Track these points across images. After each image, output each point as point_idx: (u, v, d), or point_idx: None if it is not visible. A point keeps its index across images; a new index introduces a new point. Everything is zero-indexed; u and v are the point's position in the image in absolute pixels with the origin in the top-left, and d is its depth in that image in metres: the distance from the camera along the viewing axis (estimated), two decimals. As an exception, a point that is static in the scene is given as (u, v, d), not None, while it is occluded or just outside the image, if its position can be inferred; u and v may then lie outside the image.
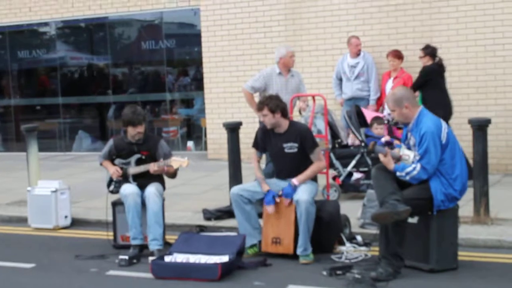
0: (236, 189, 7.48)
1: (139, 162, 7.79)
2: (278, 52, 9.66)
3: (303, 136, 7.34)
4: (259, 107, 7.40)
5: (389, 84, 11.17)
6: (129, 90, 15.85)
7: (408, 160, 6.50)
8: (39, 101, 16.92)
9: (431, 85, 10.04)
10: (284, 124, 7.39)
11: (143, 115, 7.74)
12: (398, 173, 6.46)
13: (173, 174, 7.82)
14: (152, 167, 7.60)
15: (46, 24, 16.08)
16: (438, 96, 9.97)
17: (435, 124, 6.45)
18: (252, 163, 7.63)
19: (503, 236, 7.41)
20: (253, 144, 7.66)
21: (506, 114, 11.06)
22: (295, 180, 7.19)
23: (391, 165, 6.50)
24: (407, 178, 6.43)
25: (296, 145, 7.32)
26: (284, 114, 7.37)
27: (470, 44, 11.35)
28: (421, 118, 6.49)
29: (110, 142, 8.03)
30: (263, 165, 8.02)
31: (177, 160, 7.65)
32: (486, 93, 11.24)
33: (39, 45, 16.57)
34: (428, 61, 10.19)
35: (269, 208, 7.25)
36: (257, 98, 9.56)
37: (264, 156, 7.77)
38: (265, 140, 7.52)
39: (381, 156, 6.56)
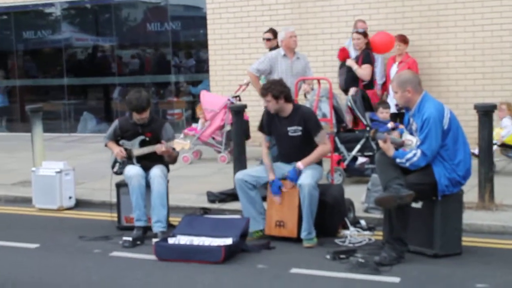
0: (240, 174, 7.47)
1: (143, 143, 7.78)
2: (279, 36, 9.79)
3: (307, 120, 7.32)
4: (263, 93, 7.38)
5: (394, 69, 11.11)
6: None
7: (411, 145, 6.47)
8: (44, 82, 16.90)
9: None
10: (288, 109, 7.37)
11: (147, 100, 7.68)
12: (398, 160, 6.43)
13: (173, 159, 7.81)
14: (160, 147, 7.59)
15: (51, 4, 16.04)
16: None
17: (437, 109, 6.41)
18: (261, 147, 7.61)
19: (508, 222, 7.40)
20: (259, 127, 7.66)
21: (512, 99, 11.02)
22: (300, 164, 7.18)
23: (391, 152, 6.47)
24: (407, 164, 6.40)
25: (300, 128, 7.30)
26: (288, 99, 7.35)
27: (477, 29, 11.28)
28: (423, 103, 6.46)
29: (115, 122, 8.04)
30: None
31: (179, 143, 7.66)
32: (492, 79, 11.18)
33: (44, 26, 16.53)
34: None
35: (276, 199, 7.25)
36: (262, 81, 9.54)
37: None
38: (270, 123, 7.51)
39: (380, 143, 6.54)
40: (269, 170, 7.36)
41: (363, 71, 10.49)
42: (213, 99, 11.63)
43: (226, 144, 11.40)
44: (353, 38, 10.73)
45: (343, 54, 10.82)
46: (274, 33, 11.05)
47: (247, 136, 10.72)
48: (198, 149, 11.74)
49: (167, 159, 7.77)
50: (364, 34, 10.70)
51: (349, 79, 10.59)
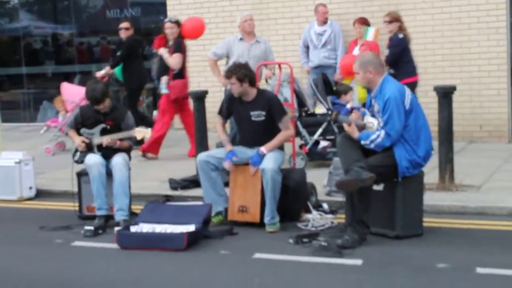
0: (202, 155, 7.45)
1: (103, 132, 7.70)
2: (237, 21, 9.85)
3: (271, 104, 7.31)
4: (227, 75, 7.36)
5: (356, 52, 11.11)
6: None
7: (373, 127, 6.50)
8: (2, 71, 16.64)
9: None
10: (252, 93, 7.35)
11: (102, 92, 7.57)
12: (362, 141, 6.47)
13: (127, 149, 7.75)
14: (106, 140, 7.54)
15: (8, -8, 15.80)
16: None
17: (398, 90, 6.46)
18: (216, 126, 7.59)
19: (467, 202, 7.48)
20: (218, 111, 7.63)
21: (471, 81, 11.12)
22: (263, 149, 7.17)
23: (356, 134, 6.50)
24: (372, 146, 6.44)
25: (263, 113, 7.29)
26: (252, 83, 7.33)
27: (436, 11, 11.35)
28: (385, 85, 6.50)
29: (77, 110, 7.98)
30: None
31: (140, 131, 7.65)
32: (451, 61, 11.27)
33: (2, 14, 16.27)
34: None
35: (226, 164, 7.23)
36: (222, 67, 9.52)
37: (228, 122, 7.74)
38: (231, 108, 7.49)
39: (345, 126, 6.56)
40: (226, 143, 7.35)
41: (173, 60, 10.32)
42: (73, 91, 11.69)
43: None
44: (165, 28, 10.56)
45: (159, 43, 10.68)
46: (130, 22, 11.45)
47: None
48: (62, 140, 11.75)
49: (122, 148, 7.71)
50: (177, 23, 10.57)
51: (161, 68, 10.53)
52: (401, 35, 9.91)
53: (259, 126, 7.31)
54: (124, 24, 11.61)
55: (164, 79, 10.16)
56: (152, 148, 10.71)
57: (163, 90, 10.53)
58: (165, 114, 10.68)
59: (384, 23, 10.12)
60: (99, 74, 11.63)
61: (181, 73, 10.48)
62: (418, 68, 10.11)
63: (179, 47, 10.37)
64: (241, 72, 7.25)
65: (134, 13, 14.77)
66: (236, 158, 7.23)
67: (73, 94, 11.55)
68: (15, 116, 15.64)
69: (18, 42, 15.95)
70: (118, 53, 11.56)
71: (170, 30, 10.49)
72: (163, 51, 10.41)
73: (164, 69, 10.45)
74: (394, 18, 9.96)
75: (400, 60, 9.81)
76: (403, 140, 6.45)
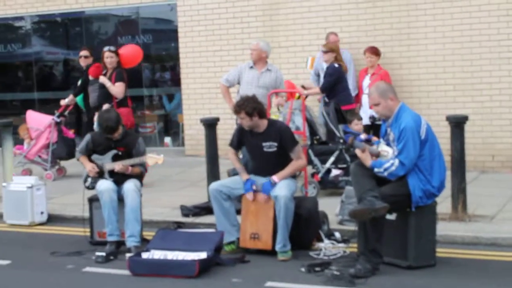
0: (215, 185, 7.44)
1: (115, 158, 7.72)
2: None
3: (283, 135, 7.32)
4: (236, 110, 7.37)
5: (366, 81, 11.17)
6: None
7: (387, 156, 6.49)
8: (14, 96, 16.73)
9: None
10: (263, 124, 7.36)
11: (116, 120, 7.64)
12: (376, 169, 6.45)
13: (139, 176, 7.76)
14: (118, 166, 7.55)
15: (21, 18, 15.88)
16: None
17: (414, 119, 6.45)
18: (229, 156, 7.60)
19: (481, 232, 7.44)
20: (230, 143, 7.64)
21: (483, 111, 11.11)
22: (275, 178, 7.17)
23: (369, 162, 6.49)
24: (385, 174, 6.43)
25: (275, 144, 7.29)
26: (262, 115, 7.33)
27: (447, 41, 11.38)
28: (401, 114, 6.49)
29: (88, 136, 7.97)
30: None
31: (152, 157, 7.66)
32: (463, 90, 11.27)
33: (14, 40, 16.36)
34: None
35: (248, 195, 7.23)
36: (234, 94, 9.56)
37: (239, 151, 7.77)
38: (243, 140, 7.50)
39: (358, 152, 6.54)
40: (242, 171, 7.34)
41: (116, 89, 10.40)
42: (38, 118, 11.92)
43: (52, 162, 11.70)
44: (105, 57, 10.61)
45: (96, 71, 10.78)
46: (90, 50, 11.65)
47: (70, 154, 11.28)
48: (28, 167, 11.85)
49: (134, 175, 7.72)
50: (116, 53, 10.65)
51: (102, 96, 10.55)
52: (336, 65, 10.39)
53: (271, 157, 7.31)
54: (84, 52, 11.83)
55: (105, 106, 10.23)
56: None
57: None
58: None
59: (321, 52, 10.66)
60: (63, 102, 11.80)
61: (125, 101, 10.59)
62: (353, 98, 10.74)
63: (121, 76, 10.49)
64: (250, 106, 7.26)
65: (145, 40, 14.84)
66: (255, 186, 7.22)
67: (37, 121, 11.80)
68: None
69: (31, 67, 16.04)
70: (79, 82, 11.69)
71: (110, 59, 10.61)
72: (104, 80, 10.51)
73: (106, 97, 10.51)
74: (330, 49, 10.46)
75: (335, 89, 10.37)
76: (417, 169, 6.44)
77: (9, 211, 9.03)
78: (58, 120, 11.75)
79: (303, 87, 10.73)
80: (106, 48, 10.70)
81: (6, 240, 8.38)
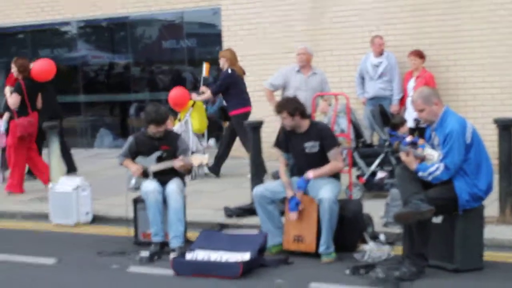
0: (259, 189, 7.43)
1: (159, 160, 7.76)
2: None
3: (324, 135, 7.29)
4: (278, 110, 7.36)
5: (411, 84, 11.09)
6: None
7: (433, 159, 6.42)
8: (61, 98, 16.93)
9: None
10: (305, 125, 7.34)
11: (165, 113, 7.78)
12: (420, 173, 6.38)
13: (189, 172, 7.82)
14: (178, 162, 7.57)
15: (67, 23, 16.11)
16: None
17: (460, 123, 6.37)
18: (279, 164, 7.57)
19: (529, 236, 7.32)
20: (275, 143, 7.61)
21: (530, 114, 10.93)
22: (310, 173, 7.14)
23: (413, 165, 6.42)
24: (430, 178, 6.35)
25: (317, 144, 7.26)
26: (303, 115, 7.31)
27: (493, 44, 11.23)
28: (445, 118, 6.42)
29: (130, 139, 8.02)
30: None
31: (197, 158, 7.70)
32: (510, 93, 11.10)
33: (61, 44, 16.60)
34: None
35: (292, 216, 7.18)
36: (278, 97, 9.54)
37: None
38: (286, 140, 7.48)
39: (403, 156, 6.48)
40: (287, 187, 7.30)
41: (10, 100, 10.71)
42: None
43: (2, 167, 11.79)
44: (12, 68, 10.87)
45: (10, 81, 11.19)
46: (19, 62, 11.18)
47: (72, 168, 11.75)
48: None
49: (182, 170, 7.74)
50: (17, 64, 10.81)
51: (6, 104, 10.97)
52: (230, 71, 10.98)
53: (314, 158, 7.27)
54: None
55: (5, 115, 10.80)
56: (16, 187, 10.85)
57: (2, 127, 11.15)
58: (17, 152, 10.79)
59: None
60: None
61: (24, 111, 10.72)
62: (249, 101, 11.13)
63: (17, 88, 10.70)
64: (291, 106, 7.25)
65: (190, 44, 14.93)
66: (302, 206, 7.17)
67: None
68: (73, 143, 15.88)
69: (76, 71, 16.25)
70: None
71: (12, 69, 10.89)
72: (7, 90, 10.94)
73: (7, 105, 10.92)
74: (221, 55, 11.21)
75: (228, 93, 11.06)
76: (463, 173, 6.35)
77: (55, 211, 9.14)
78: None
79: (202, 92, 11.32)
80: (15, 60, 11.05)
81: (52, 239, 8.48)
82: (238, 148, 13.00)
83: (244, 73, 11.31)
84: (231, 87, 10.99)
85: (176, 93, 11.57)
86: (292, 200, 7.17)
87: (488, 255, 6.72)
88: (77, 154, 14.88)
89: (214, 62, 14.75)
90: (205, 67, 11.80)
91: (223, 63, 11.12)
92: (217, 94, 11.31)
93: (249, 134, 9.12)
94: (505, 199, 7.80)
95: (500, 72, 11.20)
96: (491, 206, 7.74)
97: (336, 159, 7.29)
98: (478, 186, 6.37)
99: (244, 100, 11.08)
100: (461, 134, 6.31)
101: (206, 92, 11.30)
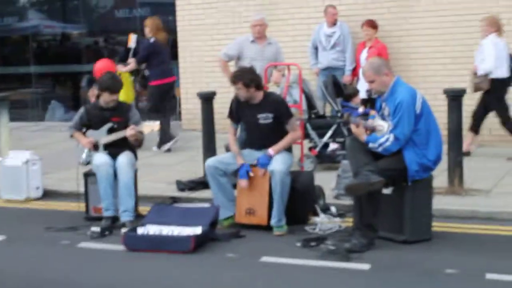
0: (211, 161, 7.40)
1: (110, 131, 7.65)
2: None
3: (278, 107, 7.28)
4: (233, 81, 7.31)
5: (364, 54, 11.10)
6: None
7: (383, 130, 6.44)
8: (11, 70, 16.64)
9: None
10: (259, 96, 7.31)
11: (120, 81, 7.73)
12: (370, 145, 6.41)
13: (140, 143, 7.70)
14: (129, 131, 7.46)
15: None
16: None
17: (410, 94, 6.40)
18: (228, 135, 7.55)
19: (477, 206, 7.42)
20: (228, 114, 7.58)
21: (482, 84, 11.01)
22: (271, 150, 7.13)
23: (363, 137, 6.45)
24: (380, 149, 6.38)
25: (271, 115, 7.25)
26: (259, 87, 7.29)
27: (447, 13, 11.26)
28: (396, 88, 6.44)
29: (81, 109, 7.90)
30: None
31: (148, 125, 7.60)
32: (461, 63, 11.17)
33: (11, 13, 16.27)
34: None
35: (243, 183, 7.17)
36: (232, 67, 9.48)
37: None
38: (239, 111, 7.45)
39: (353, 127, 6.50)
40: (237, 155, 7.29)
41: None
42: None
43: None
44: None
45: None
46: None
47: None
48: None
49: (134, 143, 7.64)
50: None
51: None
52: (152, 40, 11.09)
53: (267, 129, 7.26)
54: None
55: None
56: None
57: None
58: None
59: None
60: None
61: None
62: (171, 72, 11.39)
63: None
64: (247, 77, 7.21)
65: (143, 13, 14.73)
66: (252, 174, 7.16)
67: None
68: (23, 115, 15.65)
69: (27, 41, 15.94)
70: None
71: None
72: None
73: None
74: (145, 24, 11.33)
75: (151, 63, 11.15)
76: (413, 143, 6.39)
77: (4, 186, 8.99)
78: None
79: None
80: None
81: (2, 215, 8.37)
82: (191, 121, 12.99)
83: (168, 42, 11.36)
84: (152, 57, 11.09)
85: (101, 64, 11.46)
86: (242, 168, 7.16)
87: (437, 226, 6.81)
88: (27, 127, 14.74)
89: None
90: (130, 37, 11.87)
91: (147, 32, 11.17)
92: (141, 64, 11.38)
93: (201, 106, 9.05)
94: (454, 169, 7.89)
95: (451, 42, 11.23)
96: (440, 176, 7.83)
97: (294, 129, 7.30)
98: (427, 156, 6.42)
99: (167, 70, 11.22)
100: (411, 105, 6.33)
101: (132, 63, 11.33)
